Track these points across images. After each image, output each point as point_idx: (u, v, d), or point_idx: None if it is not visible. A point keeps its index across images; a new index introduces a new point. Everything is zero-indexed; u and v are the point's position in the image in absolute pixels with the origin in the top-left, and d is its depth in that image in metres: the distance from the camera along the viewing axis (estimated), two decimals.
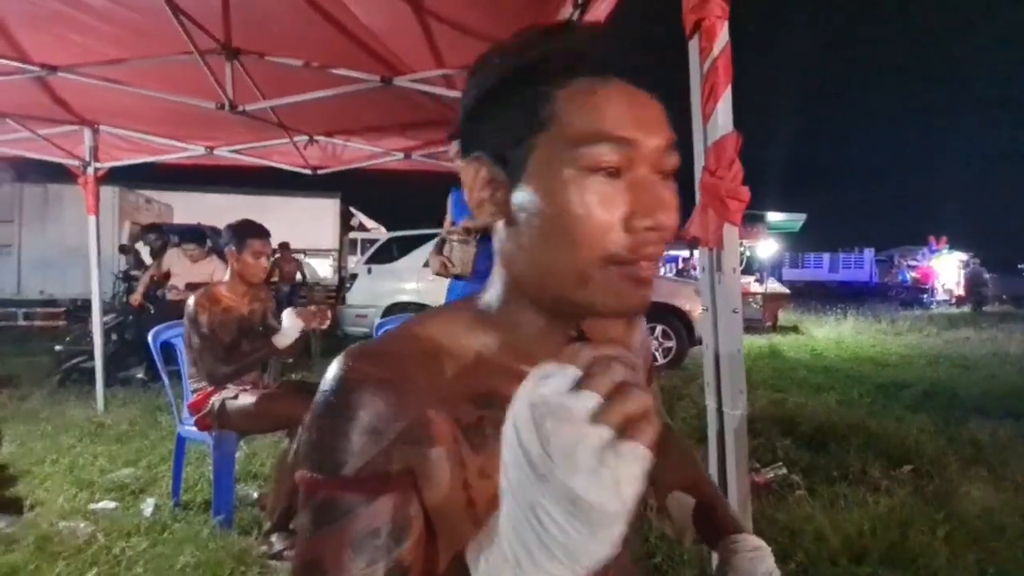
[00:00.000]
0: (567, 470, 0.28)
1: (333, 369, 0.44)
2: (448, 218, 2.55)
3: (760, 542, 0.58)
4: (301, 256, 10.70)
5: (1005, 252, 16.50)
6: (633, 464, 0.29)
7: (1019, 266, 16.92)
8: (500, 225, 0.46)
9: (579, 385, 0.30)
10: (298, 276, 8.30)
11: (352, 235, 13.57)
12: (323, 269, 12.17)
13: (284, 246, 7.85)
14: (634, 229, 0.41)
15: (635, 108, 0.42)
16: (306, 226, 11.81)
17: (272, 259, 8.63)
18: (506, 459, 0.31)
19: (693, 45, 1.32)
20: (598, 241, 0.41)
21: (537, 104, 0.42)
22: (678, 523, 0.65)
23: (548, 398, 0.30)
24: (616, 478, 0.28)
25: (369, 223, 16.49)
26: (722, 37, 1.26)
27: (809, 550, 1.83)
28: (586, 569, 0.30)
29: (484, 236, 2.48)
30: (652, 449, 0.30)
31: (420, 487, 0.42)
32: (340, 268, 11.90)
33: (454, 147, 2.42)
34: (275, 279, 7.86)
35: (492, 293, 0.49)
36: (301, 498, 0.43)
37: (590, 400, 0.29)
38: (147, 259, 5.43)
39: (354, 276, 6.27)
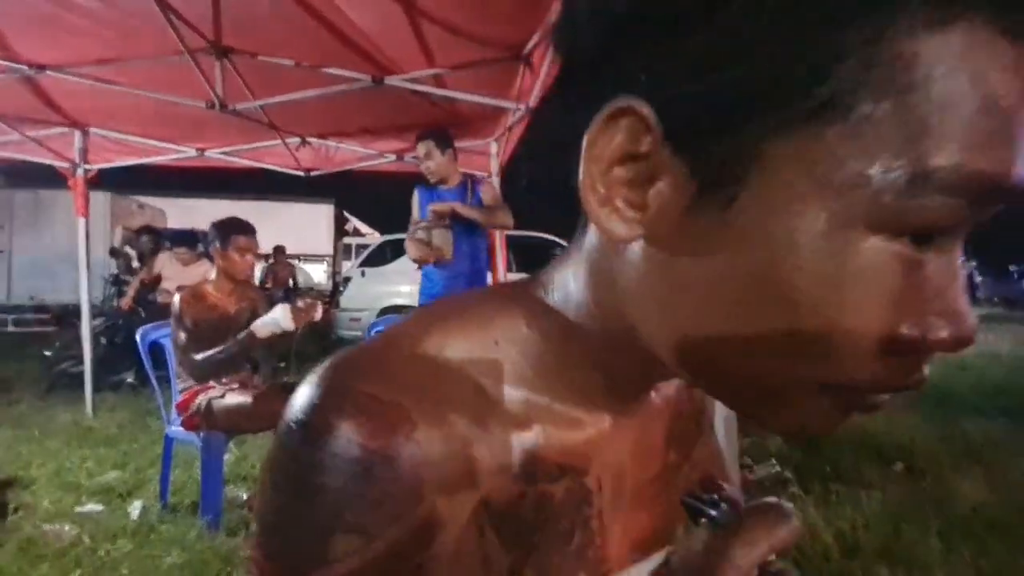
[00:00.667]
0: None
1: (310, 410, 0.28)
2: (414, 218, 2.55)
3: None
4: (296, 261, 10.71)
5: (995, 254, 16.61)
6: None
7: (1010, 268, 17.05)
8: (636, 249, 0.27)
9: None
10: (290, 282, 8.33)
11: (346, 240, 13.56)
12: (317, 274, 12.16)
13: (279, 250, 7.79)
14: (905, 345, 0.23)
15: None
16: (301, 232, 11.81)
17: (267, 264, 8.71)
18: None
19: None
20: (843, 360, 0.23)
21: (855, 59, 0.20)
22: None
23: None
24: None
25: (363, 228, 16.51)
26: None
27: (802, 546, 1.82)
28: None
29: (457, 219, 2.46)
30: None
31: None
32: (335, 273, 11.89)
33: (421, 148, 2.41)
34: (268, 284, 7.87)
35: (567, 312, 0.32)
36: None
37: None
38: (135, 263, 5.39)
39: (347, 280, 6.25)
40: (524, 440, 0.30)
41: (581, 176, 0.26)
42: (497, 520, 0.30)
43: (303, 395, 0.29)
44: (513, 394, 0.31)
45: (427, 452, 0.28)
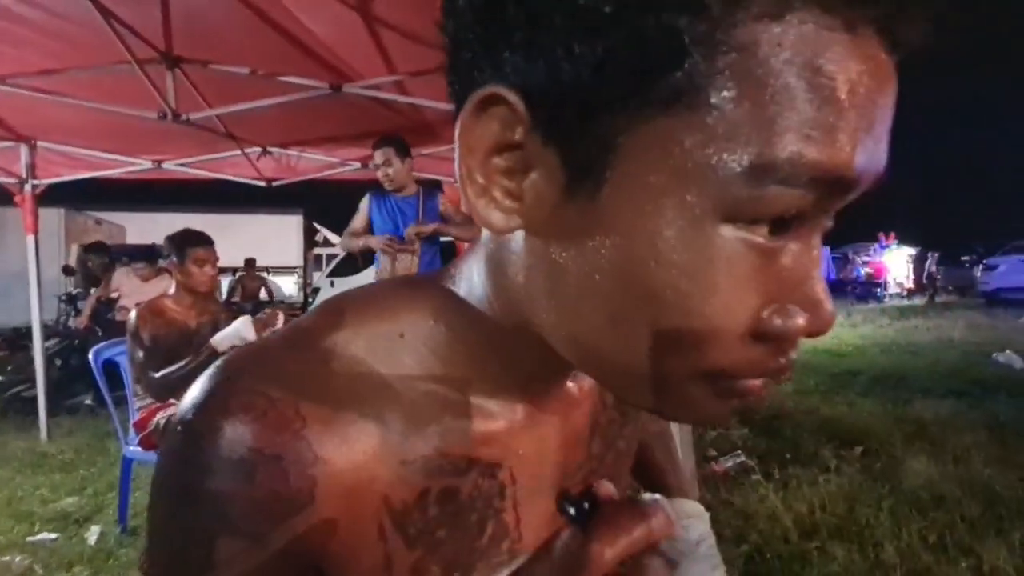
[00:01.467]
0: None
1: (188, 419, 0.27)
2: (358, 224, 2.53)
3: (697, 508, 0.52)
4: (265, 273, 10.50)
5: (949, 246, 17.45)
6: None
7: (962, 258, 17.91)
8: (516, 240, 0.28)
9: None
10: (263, 294, 8.19)
11: (316, 251, 13.35)
12: (288, 287, 11.92)
13: (249, 263, 7.68)
14: (768, 332, 0.24)
15: (877, 102, 0.22)
16: (270, 244, 11.57)
17: (235, 277, 8.52)
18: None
19: None
20: (711, 349, 0.24)
21: (701, 46, 0.21)
22: None
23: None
24: None
25: (333, 238, 16.27)
26: None
27: (763, 531, 1.88)
28: None
29: (430, 240, 2.49)
30: None
31: None
32: (305, 285, 11.67)
33: (379, 155, 2.42)
34: (236, 299, 7.72)
35: (472, 303, 0.31)
36: None
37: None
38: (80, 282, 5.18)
39: (316, 290, 6.15)
40: (427, 434, 0.30)
41: (457, 165, 0.25)
42: (399, 517, 0.29)
43: (190, 395, 0.28)
44: (418, 388, 0.30)
45: (318, 450, 0.27)
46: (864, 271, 17.48)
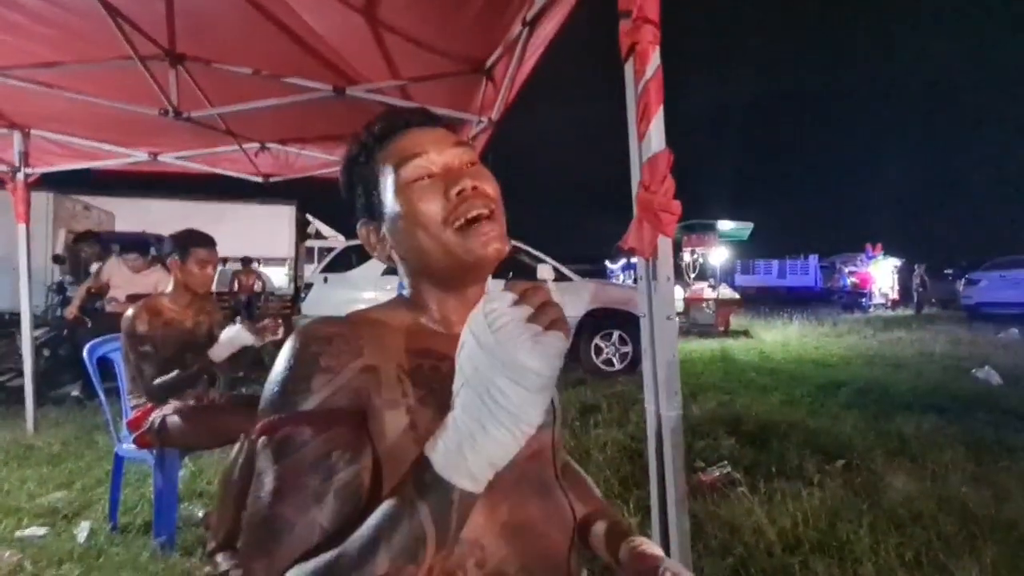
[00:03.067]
0: (514, 349, 0.41)
1: (293, 334, 0.55)
2: None
3: (654, 545, 0.68)
4: (256, 265, 10.45)
5: (933, 258, 17.75)
6: (558, 343, 0.42)
7: (946, 271, 18.24)
8: (389, 249, 0.64)
9: (516, 303, 0.43)
10: (257, 287, 8.43)
11: (309, 243, 13.23)
12: (278, 278, 11.82)
13: (246, 261, 8.61)
14: (450, 198, 0.58)
15: (422, 136, 0.62)
16: (260, 234, 11.46)
17: (234, 272, 8.68)
18: (463, 358, 0.43)
19: (628, 67, 1.40)
20: (432, 215, 0.58)
21: (370, 166, 0.63)
22: (601, 551, 0.72)
23: (497, 308, 0.42)
24: (548, 351, 0.41)
25: (326, 231, 16.14)
26: (654, 61, 1.34)
27: (747, 543, 1.93)
28: (524, 433, 0.42)
29: None
30: (567, 336, 0.43)
31: (370, 421, 0.51)
32: (296, 277, 11.58)
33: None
34: (235, 290, 7.96)
35: (407, 290, 0.66)
36: (261, 443, 0.50)
37: (526, 310, 0.42)
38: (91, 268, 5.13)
39: (309, 285, 6.12)
40: (418, 339, 0.59)
41: (363, 241, 0.66)
42: (408, 373, 0.55)
43: (289, 338, 0.55)
44: (406, 324, 0.61)
45: (363, 334, 0.55)
46: (850, 281, 17.75)
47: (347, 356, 0.52)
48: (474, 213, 0.57)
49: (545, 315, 0.42)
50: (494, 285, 0.59)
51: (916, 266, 15.58)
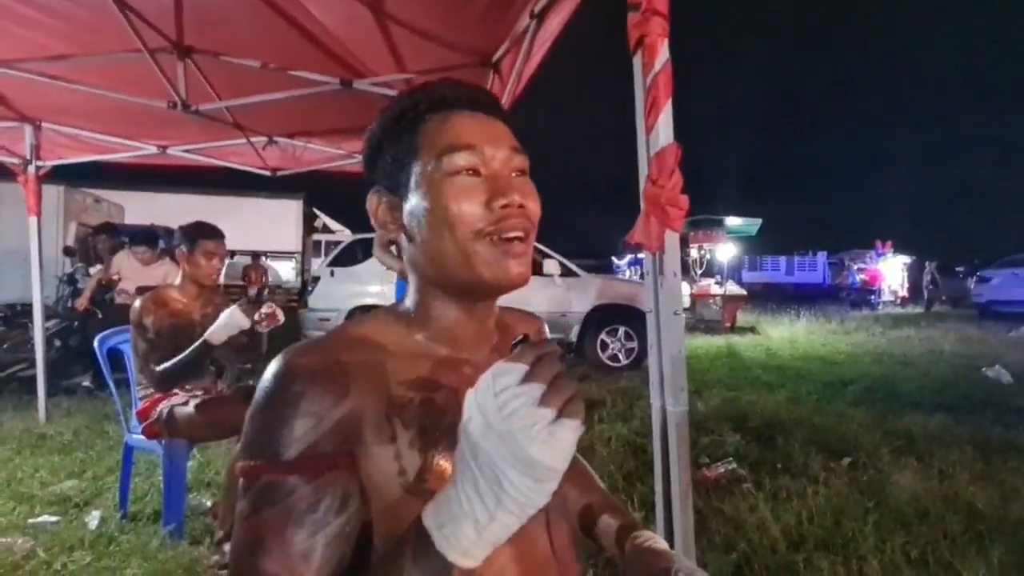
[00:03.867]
0: (528, 441, 0.37)
1: (273, 365, 0.50)
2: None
3: (661, 541, 0.66)
4: (264, 258, 10.56)
5: (944, 255, 17.54)
6: (572, 434, 0.38)
7: (956, 269, 18.02)
8: (403, 238, 0.58)
9: (527, 378, 0.38)
10: (264, 281, 8.86)
11: (316, 237, 13.29)
12: (285, 272, 11.89)
13: (255, 256, 9.23)
14: (492, 208, 0.53)
15: (480, 126, 0.56)
16: (268, 228, 11.51)
17: (244, 267, 9.01)
18: (468, 435, 0.39)
19: (637, 60, 1.39)
20: (467, 221, 0.52)
21: (412, 136, 0.56)
22: (607, 544, 0.71)
23: (508, 387, 0.38)
24: (562, 446, 0.38)
25: (333, 225, 16.20)
26: (662, 54, 1.33)
27: (752, 540, 1.93)
28: (528, 516, 0.40)
29: None
30: (583, 422, 0.39)
31: (359, 464, 0.48)
32: (303, 271, 11.64)
33: None
34: (239, 284, 8.27)
35: (410, 296, 0.59)
36: (241, 486, 0.47)
37: (539, 389, 0.38)
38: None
39: (316, 279, 6.15)
40: (411, 366, 0.54)
41: (370, 210, 0.60)
42: (398, 411, 0.51)
43: (274, 360, 0.50)
44: (402, 345, 0.55)
45: (350, 370, 0.50)
46: (859, 278, 17.60)
47: (333, 396, 0.47)
48: (513, 235, 0.52)
49: (559, 394, 0.38)
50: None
51: (927, 263, 15.41)
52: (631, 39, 1.38)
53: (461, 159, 0.53)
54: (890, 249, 17.41)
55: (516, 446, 0.37)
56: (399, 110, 0.57)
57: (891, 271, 17.17)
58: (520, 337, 0.44)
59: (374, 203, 0.59)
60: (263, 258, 9.95)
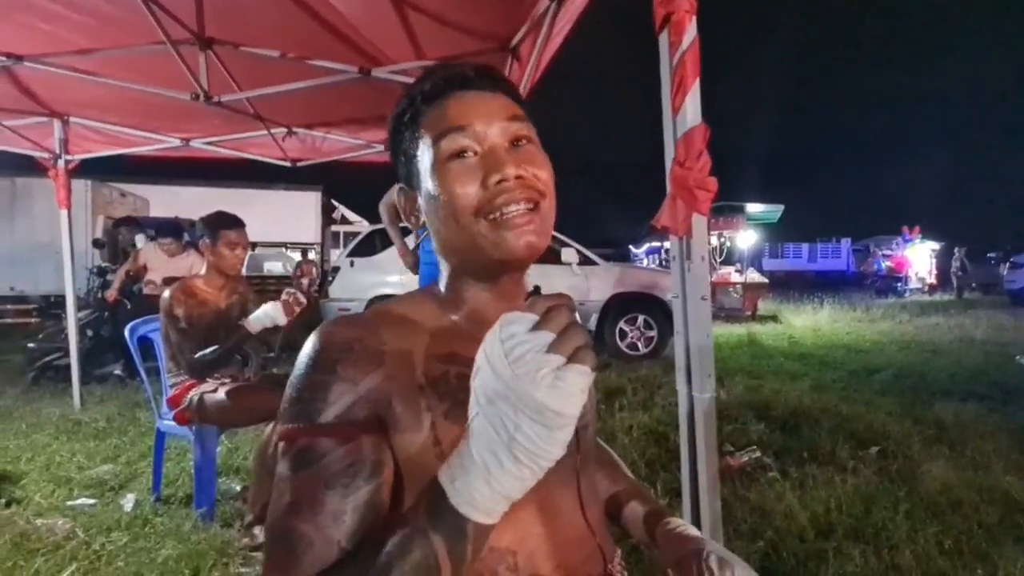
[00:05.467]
0: (533, 385, 0.36)
1: (313, 336, 0.51)
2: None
3: (691, 527, 0.66)
4: (283, 250, 10.75)
5: (975, 240, 16.97)
6: (581, 379, 0.37)
7: (988, 255, 17.43)
8: (429, 226, 0.59)
9: (537, 326, 0.38)
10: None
11: (334, 228, 13.42)
12: None
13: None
14: (488, 186, 0.52)
15: (472, 104, 0.55)
16: (287, 219, 11.67)
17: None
18: (477, 387, 0.39)
19: (663, 39, 1.35)
20: (465, 204, 0.52)
21: (414, 130, 0.57)
22: (634, 530, 0.71)
23: (515, 335, 0.37)
24: (570, 390, 0.36)
25: (351, 216, 16.32)
26: (690, 31, 1.29)
27: (779, 528, 1.90)
28: (542, 468, 0.39)
29: None
30: (594, 369, 0.38)
31: (391, 433, 0.49)
32: (323, 261, 11.79)
33: None
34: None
35: (442, 279, 0.60)
36: (280, 449, 0.48)
37: (547, 336, 0.37)
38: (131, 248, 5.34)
39: (336, 269, 6.21)
40: (445, 341, 0.54)
41: (399, 207, 0.62)
42: (432, 383, 0.51)
43: (316, 330, 0.52)
44: (436, 323, 0.56)
45: (385, 340, 0.51)
46: (885, 264, 17.14)
47: (368, 365, 0.49)
48: (512, 208, 0.52)
49: (568, 342, 0.37)
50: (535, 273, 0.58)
51: (956, 249, 14.92)
52: (656, 17, 1.34)
53: (453, 142, 0.53)
54: (918, 235, 16.90)
55: (523, 391, 0.36)
56: (401, 108, 0.58)
57: (919, 258, 16.68)
58: (532, 288, 0.43)
59: (401, 200, 0.61)
60: (284, 249, 10.14)
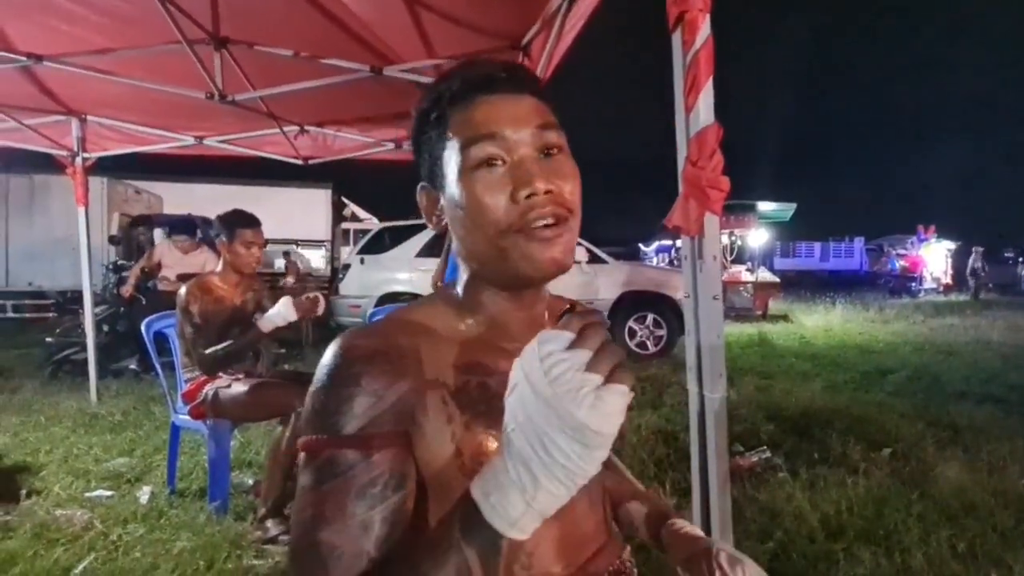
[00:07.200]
0: (575, 404, 0.36)
1: (333, 346, 0.51)
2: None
3: (696, 528, 0.67)
4: (293, 247, 10.84)
5: (991, 240, 16.67)
6: (621, 399, 0.37)
7: (1006, 255, 17.12)
8: (451, 230, 0.58)
9: (573, 344, 0.38)
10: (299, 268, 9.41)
11: (345, 225, 13.50)
12: (316, 260, 12.13)
13: (286, 254, 9.73)
14: (517, 200, 0.51)
15: (501, 109, 0.53)
16: (298, 217, 11.73)
17: (284, 260, 9.50)
18: (514, 403, 0.39)
19: (676, 38, 1.34)
20: (494, 218, 0.51)
21: (440, 130, 0.55)
22: (634, 529, 0.72)
23: (553, 353, 0.38)
24: (610, 410, 0.37)
25: (362, 213, 16.40)
26: (704, 30, 1.28)
27: (788, 529, 1.89)
28: (577, 486, 0.39)
29: None
30: (632, 388, 0.38)
31: (414, 444, 0.49)
32: (333, 259, 11.87)
33: None
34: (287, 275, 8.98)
35: (460, 282, 0.59)
36: (303, 461, 0.48)
37: (585, 355, 0.37)
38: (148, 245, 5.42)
39: (347, 266, 6.26)
40: (464, 350, 0.54)
41: (420, 206, 0.61)
42: (454, 393, 0.51)
43: (334, 342, 0.51)
44: (455, 331, 0.56)
45: (405, 353, 0.51)
46: (899, 264, 16.89)
47: (391, 376, 0.48)
48: (542, 223, 0.50)
49: (605, 361, 0.37)
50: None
51: (973, 249, 14.67)
52: (670, 16, 1.34)
53: (482, 150, 0.51)
54: (933, 234, 16.63)
55: (563, 410, 0.36)
56: (426, 106, 0.56)
57: (934, 257, 16.42)
58: (567, 307, 0.43)
59: (422, 199, 0.60)
60: (295, 246, 10.24)
